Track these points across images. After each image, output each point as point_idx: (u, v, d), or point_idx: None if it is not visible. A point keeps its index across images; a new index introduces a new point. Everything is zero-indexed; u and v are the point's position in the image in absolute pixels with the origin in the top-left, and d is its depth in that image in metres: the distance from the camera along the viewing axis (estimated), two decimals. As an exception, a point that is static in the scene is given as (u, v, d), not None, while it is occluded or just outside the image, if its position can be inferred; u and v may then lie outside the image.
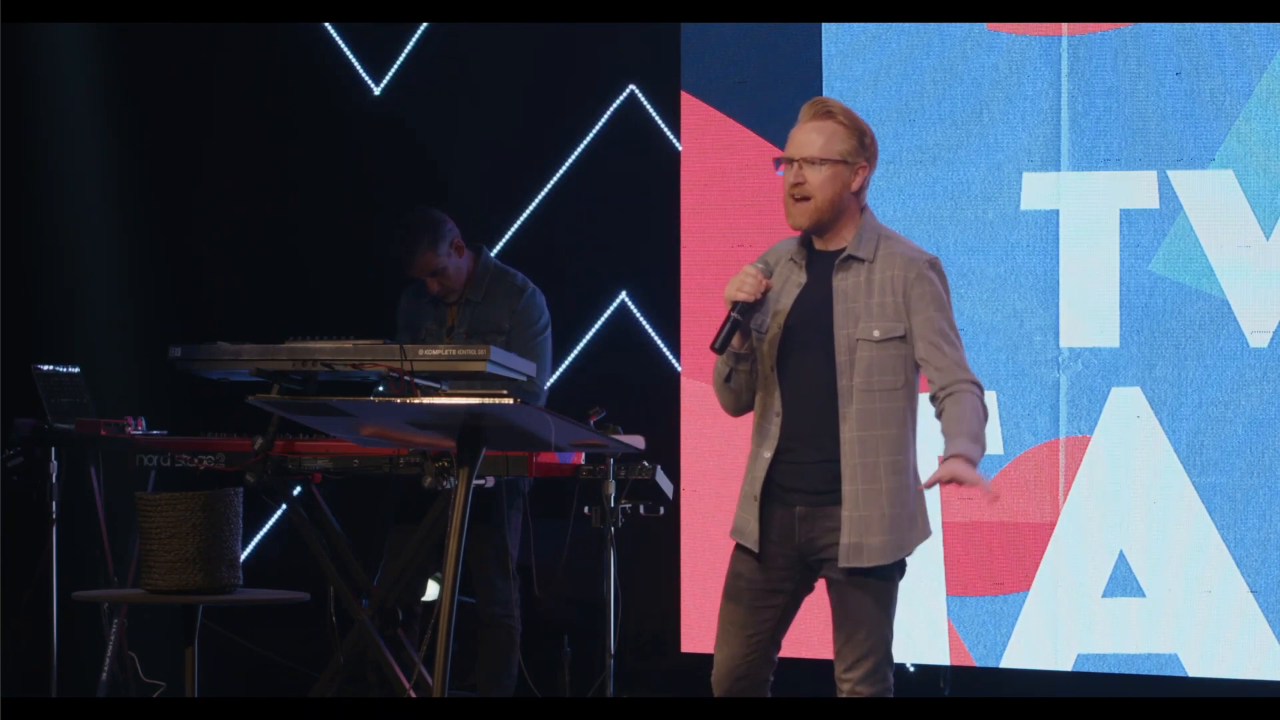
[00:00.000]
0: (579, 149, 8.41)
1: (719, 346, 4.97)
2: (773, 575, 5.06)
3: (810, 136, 5.02)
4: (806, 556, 5.04)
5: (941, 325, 4.97)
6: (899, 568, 5.04)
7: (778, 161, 5.05)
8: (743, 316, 4.95)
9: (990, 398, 7.33)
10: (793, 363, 5.02)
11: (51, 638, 7.04)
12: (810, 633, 7.57)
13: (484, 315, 7.11)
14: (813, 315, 5.00)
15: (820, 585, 5.13)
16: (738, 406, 5.16)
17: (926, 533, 5.07)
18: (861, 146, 5.02)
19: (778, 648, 5.14)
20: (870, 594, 4.98)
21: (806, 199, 4.99)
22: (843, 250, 5.02)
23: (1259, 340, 7.10)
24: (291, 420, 6.14)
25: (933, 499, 7.38)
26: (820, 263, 5.04)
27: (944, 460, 4.92)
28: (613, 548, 6.68)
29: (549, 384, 7.24)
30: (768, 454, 5.04)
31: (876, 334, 4.95)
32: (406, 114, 8.62)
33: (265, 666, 7.86)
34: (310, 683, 7.00)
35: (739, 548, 5.12)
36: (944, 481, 4.90)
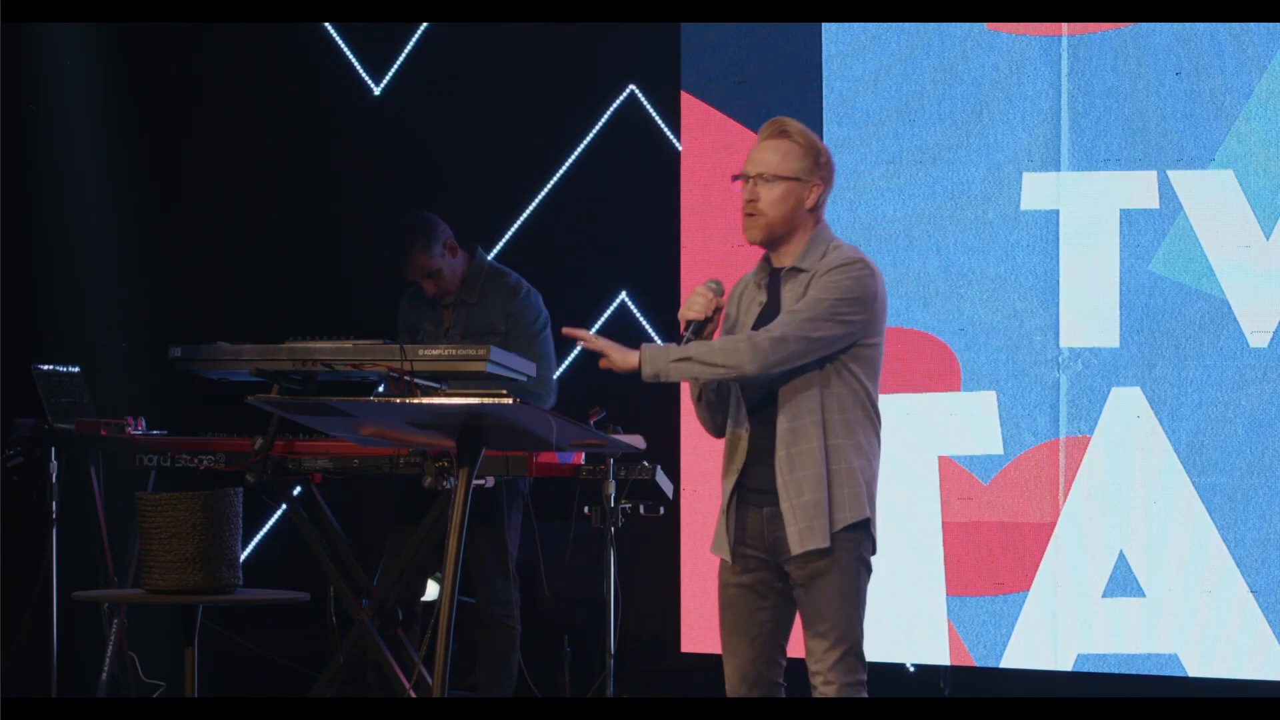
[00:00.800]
0: (579, 149, 8.41)
1: None
2: (756, 578, 5.12)
3: (765, 155, 5.15)
4: (775, 557, 5.10)
5: (809, 304, 5.01)
6: (864, 564, 5.07)
7: (735, 178, 5.19)
8: (695, 335, 5.08)
9: (990, 397, 7.33)
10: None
11: (51, 638, 7.04)
12: (810, 633, 7.58)
13: (479, 316, 7.11)
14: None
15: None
16: (714, 425, 5.25)
17: (860, 514, 5.03)
18: (816, 165, 5.14)
19: (783, 650, 5.19)
20: (831, 586, 5.02)
21: (759, 215, 5.13)
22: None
23: (1259, 340, 7.10)
24: (291, 420, 6.14)
25: (932, 499, 7.39)
26: (775, 280, 5.17)
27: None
28: (613, 548, 6.68)
29: (556, 376, 7.25)
30: (737, 468, 5.12)
31: None
32: (406, 114, 8.62)
33: (265, 666, 7.86)
34: (310, 683, 7.00)
35: (721, 561, 5.20)
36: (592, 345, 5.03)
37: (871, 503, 5.07)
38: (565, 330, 5.11)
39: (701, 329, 5.09)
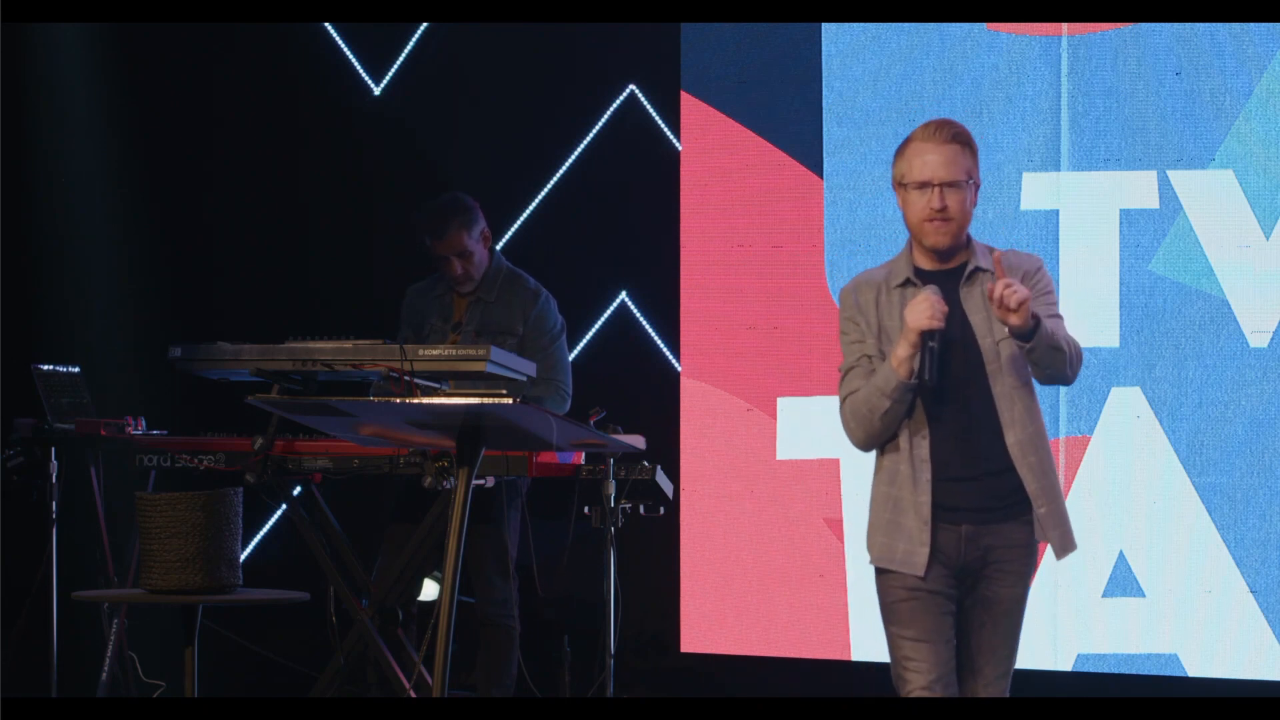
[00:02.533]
0: (579, 149, 8.41)
1: (933, 378, 4.94)
2: (943, 586, 5.01)
3: (946, 158, 5.02)
4: (970, 573, 5.01)
5: (1048, 305, 5.05)
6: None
7: (919, 185, 5.01)
8: (938, 344, 4.94)
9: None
10: (941, 381, 4.97)
11: (51, 638, 7.04)
12: (810, 632, 7.59)
13: (495, 316, 7.10)
14: (952, 333, 4.99)
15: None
16: (884, 439, 5.07)
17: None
18: (976, 165, 5.09)
19: None
20: (1017, 618, 5.06)
21: (949, 220, 5.01)
22: (964, 265, 5.05)
23: (1259, 340, 7.10)
24: (291, 420, 6.14)
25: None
26: (942, 282, 5.03)
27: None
28: (613, 548, 6.68)
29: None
30: (926, 477, 4.99)
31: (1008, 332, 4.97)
32: (406, 114, 8.61)
33: (265, 666, 7.86)
34: (310, 683, 7.00)
35: (893, 573, 5.05)
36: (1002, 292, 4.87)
37: None
38: (988, 286, 4.92)
39: (941, 335, 4.94)
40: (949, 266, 5.06)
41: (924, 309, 4.93)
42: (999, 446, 4.98)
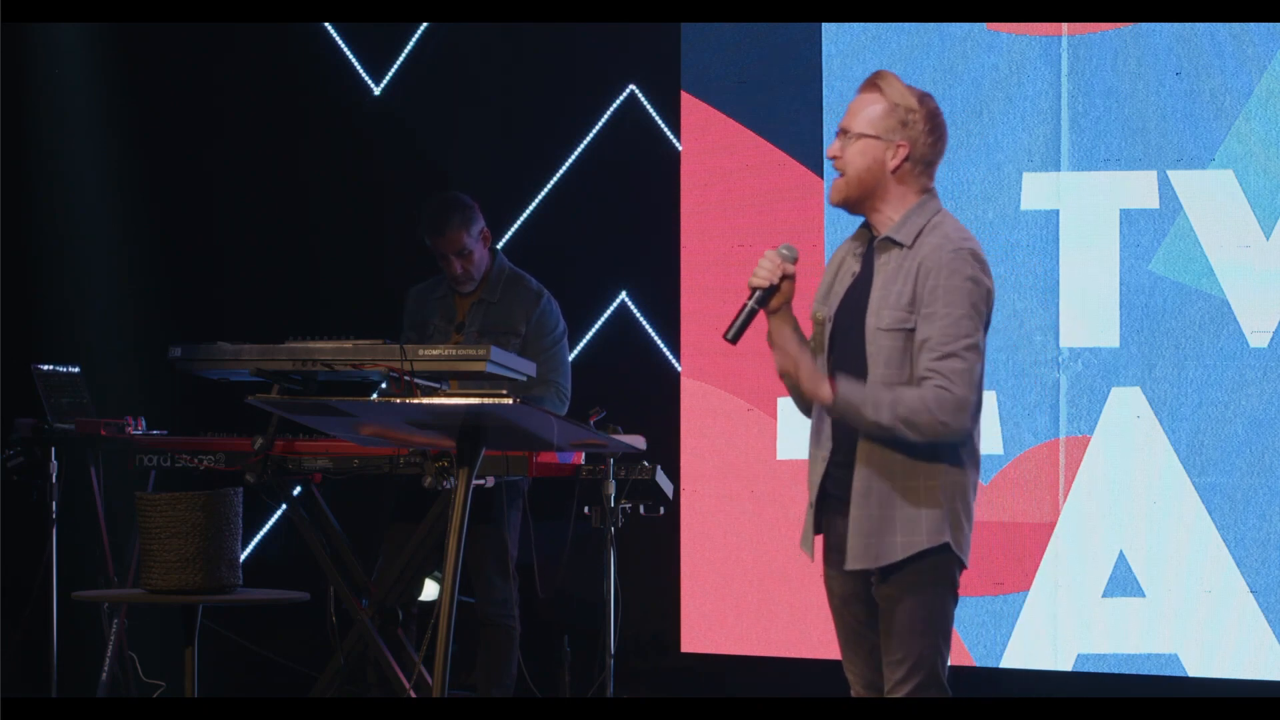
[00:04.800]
0: (579, 149, 8.41)
1: (732, 336, 4.71)
2: (855, 588, 4.78)
3: (852, 107, 4.73)
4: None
5: (945, 326, 4.62)
6: (948, 587, 4.69)
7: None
8: (760, 305, 4.72)
9: (990, 398, 7.33)
10: (837, 356, 4.75)
11: (51, 638, 7.04)
12: (810, 632, 7.59)
13: (498, 316, 7.10)
14: (855, 305, 4.73)
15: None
16: (805, 405, 4.86)
17: (942, 538, 4.65)
18: (901, 125, 4.69)
19: None
20: (905, 612, 4.66)
21: (840, 173, 4.74)
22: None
23: (1259, 340, 7.10)
24: (291, 420, 6.14)
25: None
26: (871, 250, 4.76)
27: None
28: (613, 548, 6.68)
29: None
30: (823, 454, 4.78)
31: (886, 322, 4.65)
32: (406, 114, 8.62)
33: (265, 666, 7.87)
34: (310, 683, 7.00)
35: (824, 564, 4.88)
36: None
37: (956, 522, 4.66)
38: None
39: (768, 298, 4.68)
40: (880, 235, 4.73)
41: (756, 265, 4.70)
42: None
